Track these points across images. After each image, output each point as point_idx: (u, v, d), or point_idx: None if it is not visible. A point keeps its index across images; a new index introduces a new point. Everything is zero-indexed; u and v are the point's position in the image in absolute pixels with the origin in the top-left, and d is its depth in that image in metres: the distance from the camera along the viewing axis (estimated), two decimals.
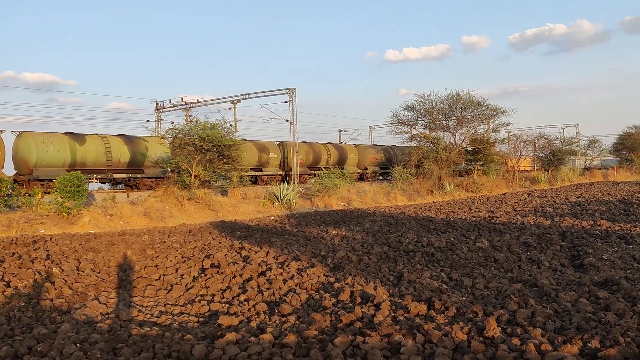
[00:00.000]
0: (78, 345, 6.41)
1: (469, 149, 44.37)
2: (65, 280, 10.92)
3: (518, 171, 49.55)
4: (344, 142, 54.99)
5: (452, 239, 15.05)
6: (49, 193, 22.28)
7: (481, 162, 46.69)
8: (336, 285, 9.73)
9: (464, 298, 8.66)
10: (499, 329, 6.62)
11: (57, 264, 12.46)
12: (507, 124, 43.16)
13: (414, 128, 42.52)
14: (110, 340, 6.59)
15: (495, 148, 45.85)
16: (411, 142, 42.70)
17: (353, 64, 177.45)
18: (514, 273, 10.72)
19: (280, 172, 39.75)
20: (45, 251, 14.08)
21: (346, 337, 6.29)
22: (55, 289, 10.23)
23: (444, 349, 5.82)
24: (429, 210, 25.98)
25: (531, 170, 59.60)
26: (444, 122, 41.41)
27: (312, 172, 41.00)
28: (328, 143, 44.74)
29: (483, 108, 40.74)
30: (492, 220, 19.76)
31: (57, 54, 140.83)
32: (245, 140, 33.59)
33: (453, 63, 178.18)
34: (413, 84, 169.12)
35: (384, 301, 8.09)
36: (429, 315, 7.53)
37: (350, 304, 8.35)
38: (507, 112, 41.69)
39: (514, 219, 20.08)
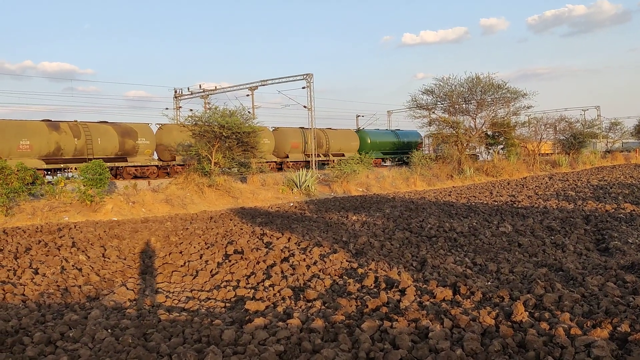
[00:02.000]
0: (109, 330, 6.52)
1: (489, 132, 43.98)
2: (92, 267, 11.09)
3: (538, 154, 49.07)
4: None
5: (474, 223, 14.98)
6: None
7: (502, 146, 46.32)
8: (359, 270, 9.75)
9: (489, 283, 8.63)
10: (527, 313, 6.59)
11: (83, 251, 12.64)
12: (528, 107, 42.58)
13: (433, 112, 42.16)
14: (141, 325, 6.69)
15: (516, 131, 45.37)
16: (430, 126, 42.41)
17: (369, 48, 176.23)
18: (538, 257, 10.65)
19: (156, 163, 32.06)
20: (71, 239, 14.29)
21: (373, 322, 6.32)
22: (83, 276, 10.39)
23: (472, 334, 5.82)
24: (449, 195, 25.86)
25: (552, 154, 59.04)
26: (464, 105, 40.99)
27: None
28: None
29: (503, 91, 40.23)
30: (514, 205, 19.62)
31: (75, 43, 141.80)
32: (106, 122, 29.96)
33: (471, 46, 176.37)
34: (431, 67, 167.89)
35: (409, 286, 8.09)
36: (455, 300, 7.53)
37: (375, 290, 8.37)
38: (527, 95, 41.17)
39: (536, 203, 19.91)
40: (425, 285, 8.37)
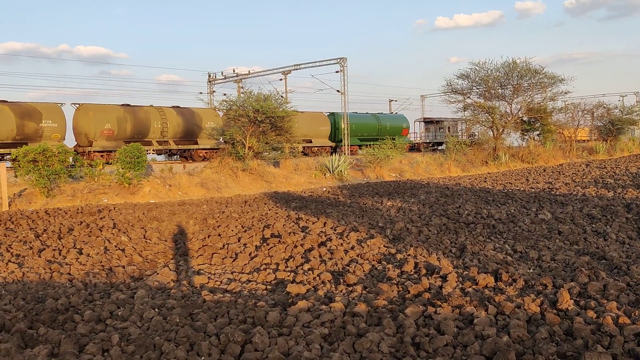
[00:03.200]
0: (156, 310, 6.66)
1: (525, 118, 43.28)
2: (135, 248, 11.33)
3: (575, 141, 48.13)
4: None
5: (512, 210, 14.82)
6: None
7: (538, 132, 45.56)
8: (398, 256, 9.75)
9: (531, 270, 8.55)
10: (572, 301, 6.52)
11: (124, 232, 12.91)
12: (565, 93, 41.70)
13: (468, 97, 41.59)
14: (186, 306, 6.82)
15: (553, 117, 44.53)
16: (465, 111, 41.85)
17: (402, 32, 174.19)
18: (579, 245, 10.48)
19: (69, 149, 24.79)
20: (111, 220, 14.59)
21: (417, 308, 6.33)
22: (126, 257, 10.62)
23: (518, 321, 5.79)
24: (485, 181, 25.59)
25: (588, 140, 57.77)
26: (500, 90, 40.34)
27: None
28: (176, 107, 31.99)
29: (540, 76, 39.47)
30: (552, 192, 19.33)
31: (108, 27, 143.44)
32: (4, 101, 26.04)
33: (506, 30, 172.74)
34: (464, 51, 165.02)
35: (450, 272, 8.07)
36: (497, 287, 7.49)
37: (416, 275, 8.37)
38: (565, 80, 40.32)
39: (574, 190, 19.58)
40: (466, 272, 8.33)
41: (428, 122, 53.63)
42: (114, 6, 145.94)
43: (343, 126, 38.81)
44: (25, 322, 6.27)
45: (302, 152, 37.47)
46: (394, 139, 42.06)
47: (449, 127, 51.94)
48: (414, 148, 48.52)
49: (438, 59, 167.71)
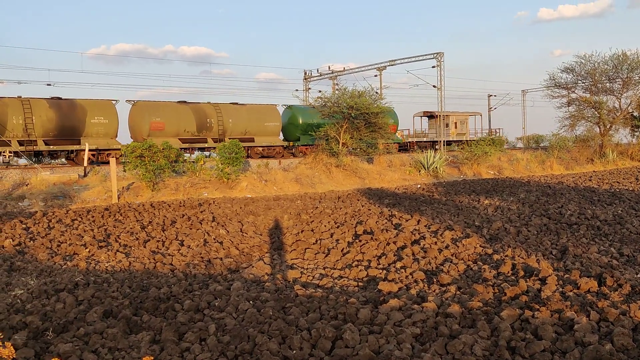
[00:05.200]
0: (251, 302, 6.87)
1: (635, 113, 40.63)
2: (232, 241, 11.72)
3: None
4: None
5: (619, 211, 13.96)
6: None
7: None
8: (495, 257, 9.45)
9: (638, 275, 8.02)
10: None
11: (222, 226, 13.40)
12: None
13: (573, 91, 39.58)
14: (279, 299, 6.98)
15: None
16: (569, 106, 39.85)
17: (502, 25, 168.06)
18: None
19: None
20: (211, 213, 15.19)
21: (513, 311, 6.11)
22: (224, 249, 11.02)
23: (622, 329, 5.45)
24: (590, 180, 24.28)
25: None
26: (608, 84, 38.09)
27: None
28: (55, 98, 25.58)
29: None
30: None
31: (211, 28, 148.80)
32: None
33: (615, 20, 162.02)
34: (569, 44, 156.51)
35: (549, 275, 7.74)
36: (600, 292, 7.09)
37: (513, 277, 8.09)
38: None
39: None
40: (567, 275, 7.95)
41: (430, 116, 45.35)
42: (215, 7, 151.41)
43: (300, 121, 32.67)
44: (131, 309, 6.67)
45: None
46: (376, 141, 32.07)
47: (455, 123, 44.38)
48: (404, 148, 39.75)
49: (540, 52, 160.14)
